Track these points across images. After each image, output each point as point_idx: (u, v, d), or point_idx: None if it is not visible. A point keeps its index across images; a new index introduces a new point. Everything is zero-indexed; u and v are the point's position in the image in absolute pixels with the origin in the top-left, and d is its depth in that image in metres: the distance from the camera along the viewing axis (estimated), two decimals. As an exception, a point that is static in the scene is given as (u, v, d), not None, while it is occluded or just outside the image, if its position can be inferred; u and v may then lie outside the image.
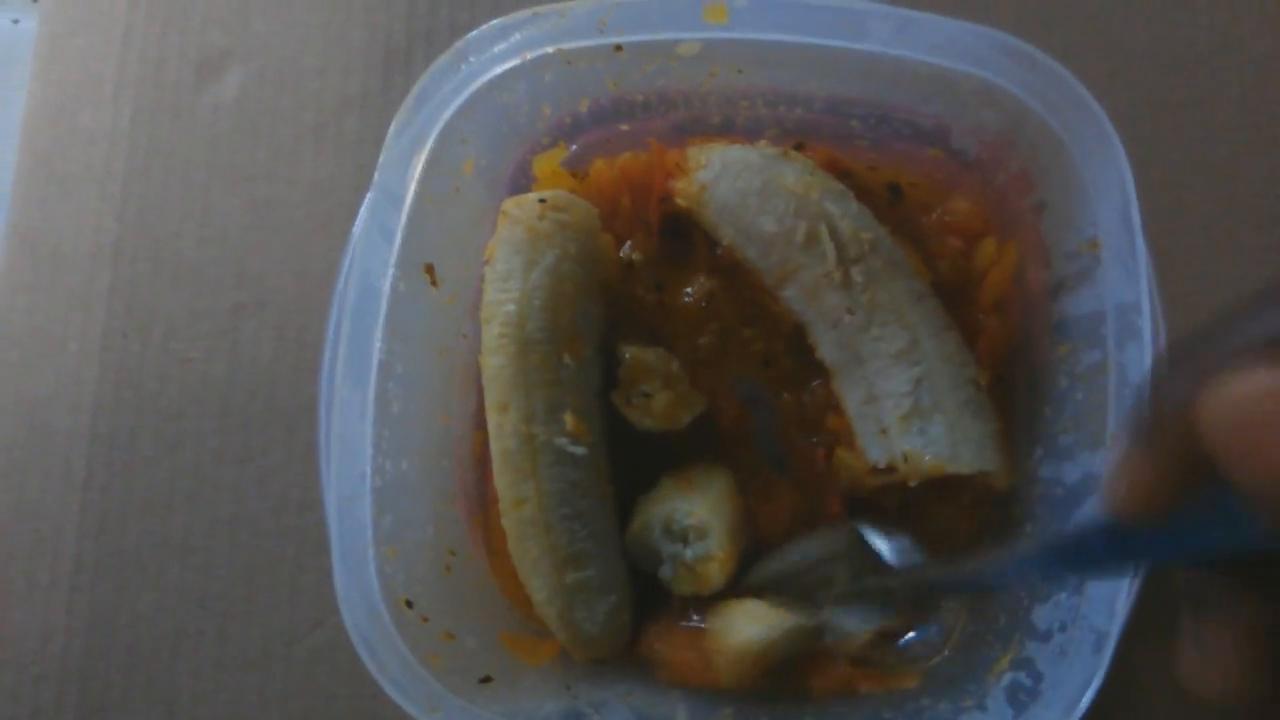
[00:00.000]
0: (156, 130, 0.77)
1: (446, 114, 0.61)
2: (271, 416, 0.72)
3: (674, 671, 0.61)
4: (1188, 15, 0.75)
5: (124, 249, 0.76)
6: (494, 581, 0.66)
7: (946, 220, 0.67)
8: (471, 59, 0.61)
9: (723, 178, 0.63)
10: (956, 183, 0.67)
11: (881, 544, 0.60)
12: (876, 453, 0.63)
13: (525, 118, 0.65)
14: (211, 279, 0.75)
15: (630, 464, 0.65)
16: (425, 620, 0.58)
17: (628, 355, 0.64)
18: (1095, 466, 0.57)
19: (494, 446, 0.61)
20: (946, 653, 0.64)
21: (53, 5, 0.80)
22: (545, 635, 0.63)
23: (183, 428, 0.73)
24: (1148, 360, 0.55)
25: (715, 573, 0.61)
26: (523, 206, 0.62)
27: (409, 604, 0.58)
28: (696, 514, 0.61)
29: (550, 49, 0.61)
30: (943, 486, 0.63)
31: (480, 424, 0.65)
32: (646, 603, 0.64)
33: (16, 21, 0.88)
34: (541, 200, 0.62)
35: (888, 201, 0.67)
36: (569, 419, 0.61)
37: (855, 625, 0.61)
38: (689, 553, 0.61)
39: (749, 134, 0.67)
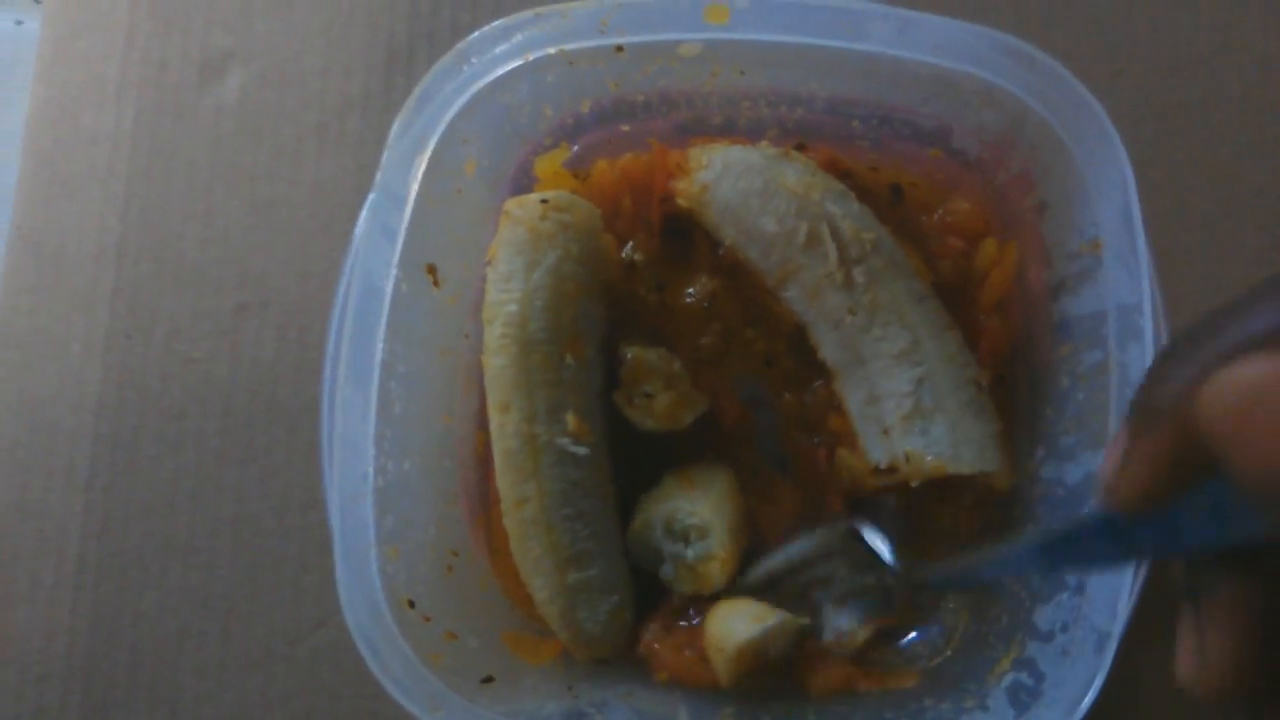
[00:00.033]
0: (159, 131, 0.77)
1: (448, 114, 0.61)
2: (274, 416, 0.73)
3: (673, 671, 0.62)
4: (1189, 16, 0.75)
5: (127, 249, 0.76)
6: (496, 581, 0.66)
7: (947, 220, 0.67)
8: (473, 60, 0.62)
9: (724, 178, 0.63)
10: (957, 183, 0.67)
11: (879, 541, 0.60)
12: (878, 453, 0.63)
13: (527, 118, 0.66)
14: (214, 279, 0.75)
15: (632, 464, 0.65)
16: (427, 620, 0.58)
17: (629, 355, 0.64)
18: (1097, 467, 0.56)
19: (496, 446, 0.61)
20: (948, 653, 0.64)
21: (56, 7, 0.80)
22: (547, 635, 0.63)
23: (185, 428, 0.73)
24: (1149, 360, 0.55)
25: (716, 572, 0.61)
26: (525, 207, 0.63)
27: (411, 604, 0.58)
28: (698, 513, 0.61)
29: (552, 50, 0.62)
30: (944, 487, 0.63)
31: (482, 424, 0.65)
32: (647, 602, 0.64)
33: (20, 23, 0.88)
34: (543, 201, 0.62)
35: (889, 202, 0.67)
36: (571, 419, 0.61)
37: (853, 623, 0.61)
38: (690, 552, 0.62)
39: (750, 134, 0.68)
